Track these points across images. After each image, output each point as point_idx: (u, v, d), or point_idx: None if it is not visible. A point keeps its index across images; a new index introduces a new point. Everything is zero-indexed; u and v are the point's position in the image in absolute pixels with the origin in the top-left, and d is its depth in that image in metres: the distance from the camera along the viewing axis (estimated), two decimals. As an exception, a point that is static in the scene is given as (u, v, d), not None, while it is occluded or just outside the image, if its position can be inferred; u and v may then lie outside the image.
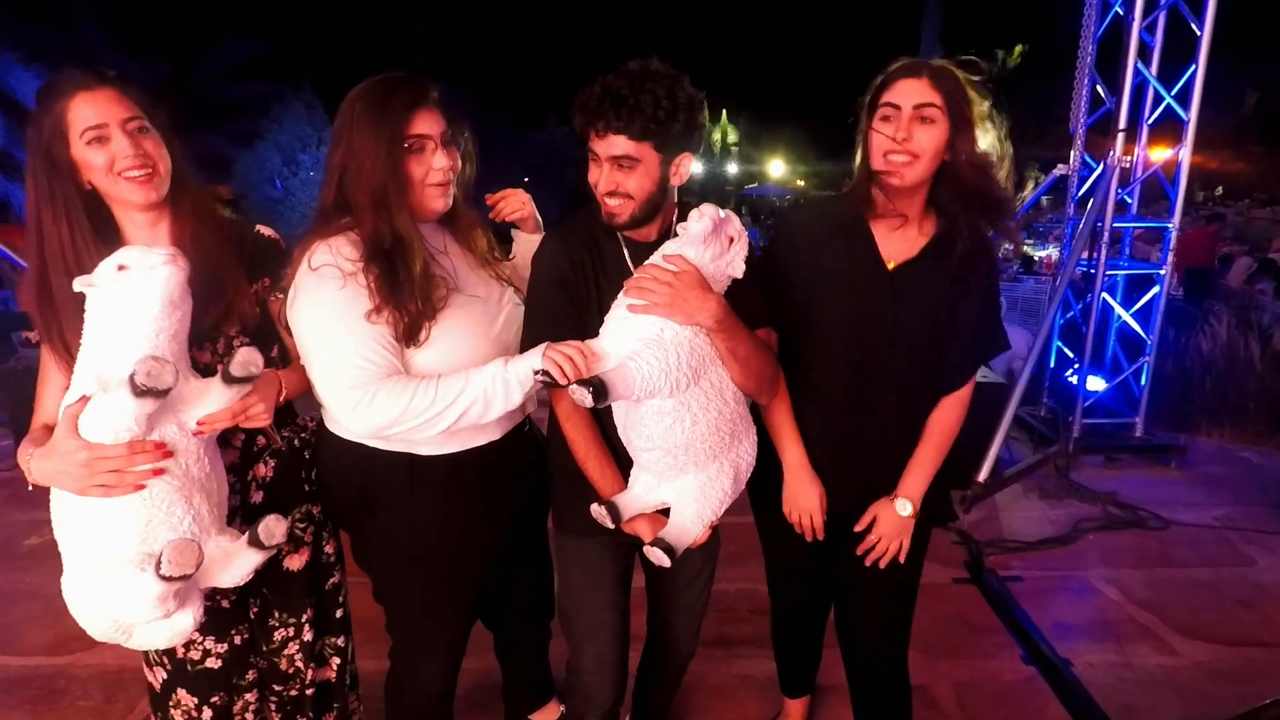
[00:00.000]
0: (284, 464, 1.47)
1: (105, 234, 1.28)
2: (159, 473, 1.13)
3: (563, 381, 1.25)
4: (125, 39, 12.82)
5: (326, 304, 1.30)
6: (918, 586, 1.71)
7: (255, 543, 1.21)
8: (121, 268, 1.12)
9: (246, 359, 1.17)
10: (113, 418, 1.08)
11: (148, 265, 1.12)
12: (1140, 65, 3.96)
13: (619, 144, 1.32)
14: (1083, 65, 4.22)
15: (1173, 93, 4.03)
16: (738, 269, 1.34)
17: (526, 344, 1.45)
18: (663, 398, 1.28)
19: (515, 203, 1.71)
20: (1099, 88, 4.21)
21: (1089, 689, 2.31)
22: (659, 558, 1.32)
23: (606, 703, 1.65)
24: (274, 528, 1.21)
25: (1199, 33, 3.86)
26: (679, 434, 1.31)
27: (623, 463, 1.48)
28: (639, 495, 1.42)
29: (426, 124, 1.35)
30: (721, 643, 2.51)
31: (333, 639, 1.63)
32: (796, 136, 32.68)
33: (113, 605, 1.14)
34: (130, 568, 1.12)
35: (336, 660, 1.64)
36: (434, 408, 1.30)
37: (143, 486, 1.12)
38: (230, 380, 1.18)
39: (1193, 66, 3.93)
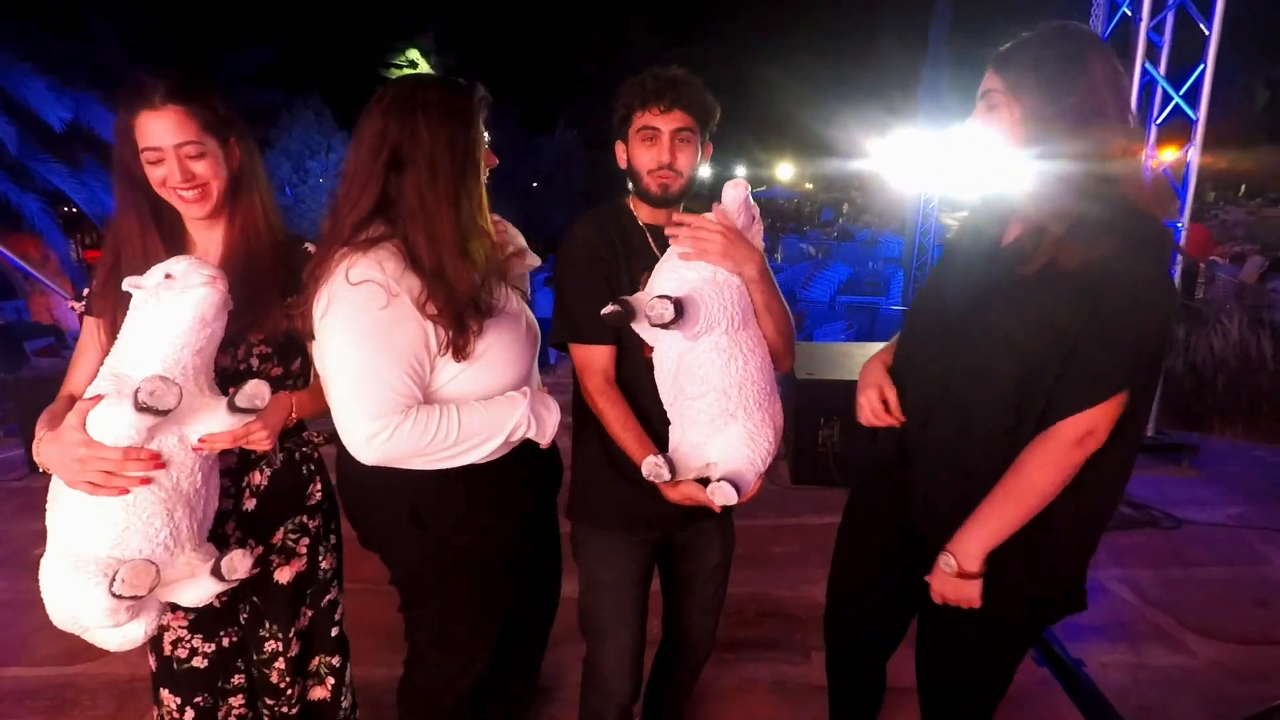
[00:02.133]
0: (280, 474, 1.45)
1: (174, 231, 1.38)
2: (146, 481, 1.15)
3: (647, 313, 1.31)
4: (139, 49, 12.95)
5: (365, 325, 1.23)
6: (1015, 667, 1.47)
7: (216, 573, 1.22)
8: (169, 276, 1.16)
9: (253, 392, 1.19)
10: (115, 422, 1.11)
11: (190, 282, 1.16)
12: (1148, 65, 3.95)
13: (682, 118, 1.48)
14: (1090, 64, 4.20)
15: (1181, 92, 4.01)
16: (758, 245, 1.50)
17: (558, 318, 1.53)
18: (719, 333, 1.39)
19: None
20: (1106, 87, 4.19)
21: (1103, 690, 2.29)
22: (726, 493, 1.35)
23: (625, 699, 1.68)
24: (238, 563, 1.23)
25: (1208, 32, 3.85)
26: (734, 371, 1.40)
27: (658, 443, 1.50)
28: (688, 454, 1.45)
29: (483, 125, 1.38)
30: (730, 646, 2.51)
31: (328, 658, 1.59)
32: (805, 139, 32.65)
33: (71, 603, 1.16)
34: (95, 570, 1.13)
35: (331, 680, 1.60)
36: (458, 445, 1.32)
37: (127, 491, 1.14)
38: (234, 410, 1.20)
39: (1201, 66, 3.91)
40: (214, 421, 1.21)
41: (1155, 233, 1.22)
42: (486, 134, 1.37)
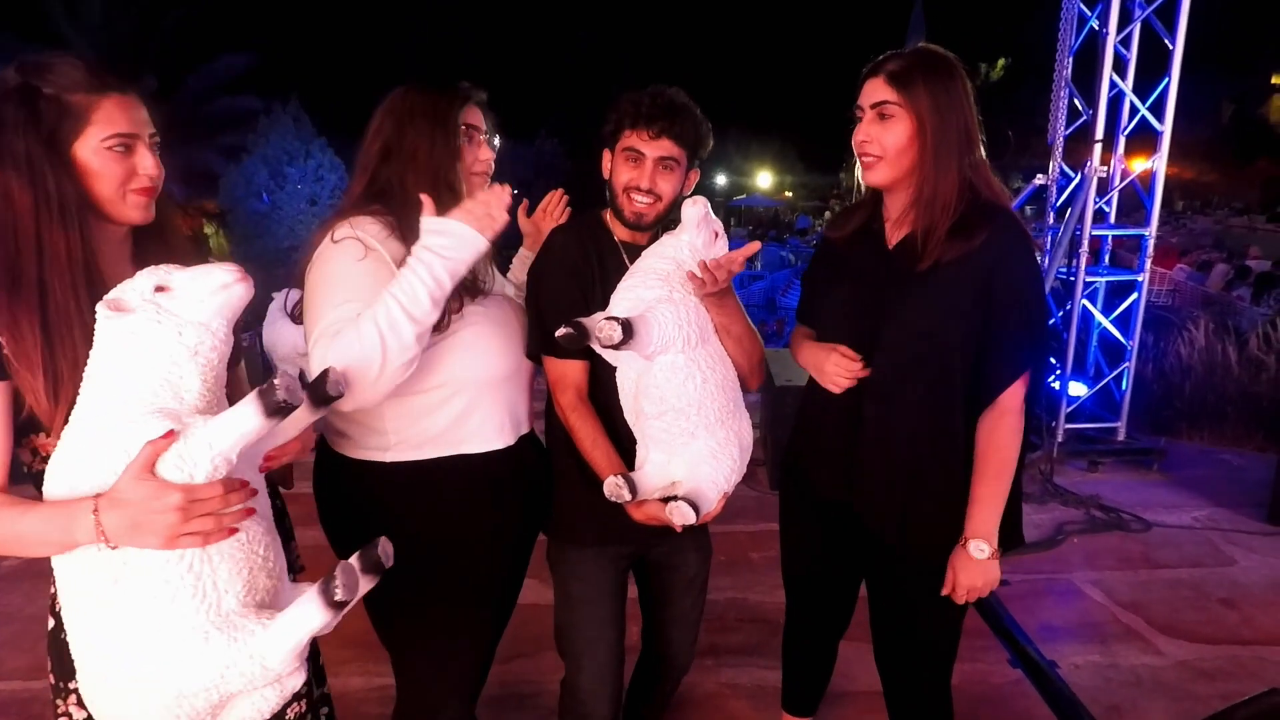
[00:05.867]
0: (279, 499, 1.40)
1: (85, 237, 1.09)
2: (250, 512, 0.99)
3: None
4: (113, 54, 12.81)
5: (340, 273, 1.27)
6: (963, 617, 1.60)
7: (373, 569, 1.02)
8: (161, 289, 0.96)
9: (336, 378, 1.04)
10: (216, 448, 0.93)
11: (214, 283, 0.97)
12: (1115, 78, 4.05)
13: (668, 146, 1.48)
14: (1059, 78, 4.30)
15: (1147, 104, 4.11)
16: None
17: (533, 329, 1.51)
18: (675, 351, 1.39)
19: (560, 203, 1.77)
20: (1076, 100, 4.29)
21: (1075, 690, 2.32)
22: (683, 513, 1.35)
23: None
24: (388, 547, 1.04)
25: (1171, 46, 3.96)
26: (692, 390, 1.39)
27: (628, 461, 1.50)
28: (651, 474, 1.44)
29: (474, 117, 1.43)
30: (711, 652, 2.52)
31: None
32: (784, 148, 32.99)
33: (222, 676, 0.95)
34: (248, 621, 0.96)
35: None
36: (400, 314, 1.18)
37: (237, 530, 0.97)
38: (321, 402, 1.02)
39: (1166, 79, 4.02)
40: (288, 428, 1.05)
41: (1010, 218, 1.43)
42: (480, 125, 1.43)
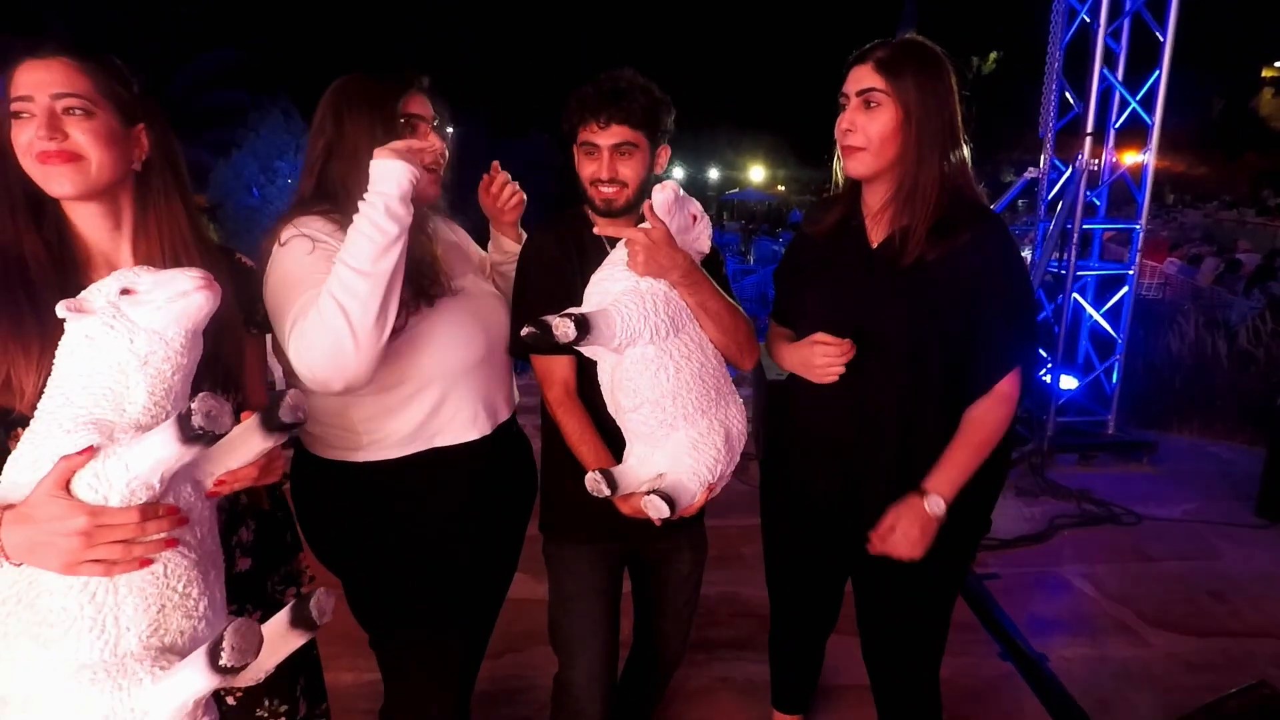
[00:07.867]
0: (265, 525, 1.31)
1: (61, 237, 1.09)
2: (172, 544, 0.90)
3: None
4: (100, 48, 12.71)
5: (293, 271, 1.26)
6: (951, 609, 1.60)
7: (304, 623, 0.95)
8: (126, 291, 0.91)
9: (295, 403, 0.93)
10: (132, 471, 0.86)
11: (174, 290, 0.92)
12: (1106, 71, 4.05)
13: (621, 132, 1.45)
14: (1050, 71, 4.30)
15: (1138, 98, 4.12)
16: (704, 245, 1.47)
17: (515, 322, 1.50)
18: (643, 344, 1.35)
19: (515, 195, 1.65)
20: (1067, 93, 4.30)
21: (1065, 683, 2.34)
22: (658, 507, 1.32)
23: (596, 719, 1.63)
24: (324, 603, 0.97)
25: (1162, 39, 3.96)
26: (664, 381, 1.36)
27: (617, 454, 1.49)
28: (634, 467, 1.43)
29: (419, 106, 1.37)
30: (703, 646, 2.51)
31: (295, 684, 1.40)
32: (777, 143, 33.03)
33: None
34: (141, 668, 0.86)
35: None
36: (357, 270, 1.18)
37: (151, 562, 0.88)
38: (275, 428, 0.93)
39: (1156, 72, 4.03)
40: (237, 454, 0.96)
41: (994, 218, 1.42)
42: (427, 114, 1.37)
